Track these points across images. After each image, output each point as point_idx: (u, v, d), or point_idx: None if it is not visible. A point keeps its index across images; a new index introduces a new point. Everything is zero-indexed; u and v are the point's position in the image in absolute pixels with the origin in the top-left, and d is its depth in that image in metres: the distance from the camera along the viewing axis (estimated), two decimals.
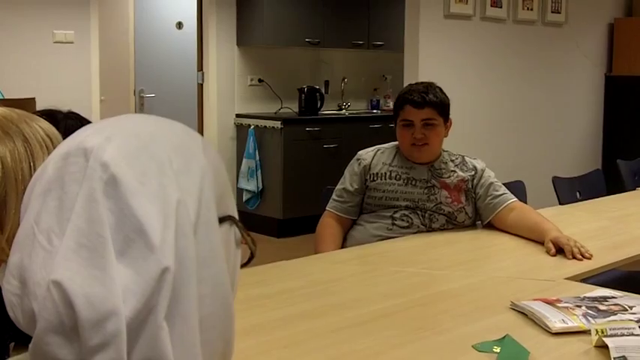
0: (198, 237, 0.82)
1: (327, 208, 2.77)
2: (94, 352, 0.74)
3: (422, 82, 2.77)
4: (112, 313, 0.75)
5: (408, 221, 2.66)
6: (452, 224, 2.72)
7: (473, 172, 2.74)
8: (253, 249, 0.94)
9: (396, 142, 2.83)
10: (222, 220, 0.88)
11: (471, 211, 2.75)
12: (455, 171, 2.73)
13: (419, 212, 2.67)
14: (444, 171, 2.72)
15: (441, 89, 2.75)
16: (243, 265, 0.96)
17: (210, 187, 0.86)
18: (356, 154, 2.84)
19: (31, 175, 1.00)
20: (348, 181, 2.75)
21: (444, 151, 2.78)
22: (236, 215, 0.93)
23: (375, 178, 2.71)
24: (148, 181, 0.80)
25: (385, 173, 2.71)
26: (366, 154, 2.78)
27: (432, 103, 2.67)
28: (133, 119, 0.92)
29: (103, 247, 0.77)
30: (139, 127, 0.88)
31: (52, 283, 0.76)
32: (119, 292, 0.75)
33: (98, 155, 0.80)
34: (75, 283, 0.75)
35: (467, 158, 2.79)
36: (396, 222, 2.66)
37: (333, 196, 2.78)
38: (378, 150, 2.79)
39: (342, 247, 2.70)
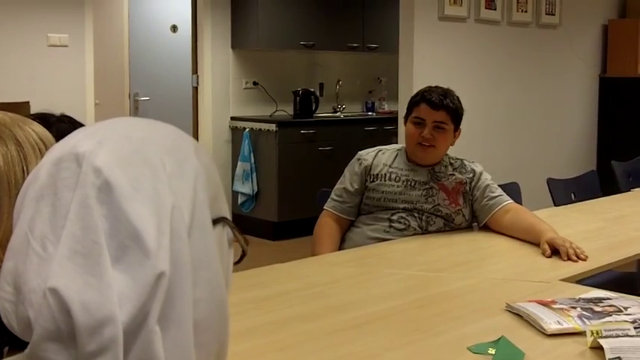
0: (193, 240, 0.82)
1: (325, 208, 2.77)
2: (91, 358, 0.75)
3: (441, 87, 2.78)
4: (109, 319, 0.75)
5: (405, 224, 2.66)
6: (449, 227, 2.72)
7: (471, 175, 2.75)
8: (245, 247, 0.94)
9: (398, 145, 2.84)
10: (215, 221, 0.89)
11: (468, 213, 2.75)
12: (454, 174, 2.74)
13: (416, 214, 2.68)
14: (443, 174, 2.73)
15: (458, 98, 2.76)
16: (236, 264, 0.96)
17: (203, 189, 0.86)
18: (351, 156, 2.84)
19: (24, 179, 0.99)
20: (348, 180, 2.75)
21: (444, 154, 2.79)
22: (229, 216, 0.93)
23: (375, 179, 2.71)
24: (141, 186, 0.80)
25: (385, 174, 2.72)
26: (367, 154, 2.78)
27: (448, 107, 2.69)
28: (124, 122, 0.91)
29: (99, 254, 0.77)
30: (130, 131, 0.88)
31: (49, 290, 0.76)
32: (115, 298, 0.75)
33: (90, 160, 0.80)
34: (71, 290, 0.75)
35: (465, 162, 2.80)
36: (393, 224, 2.66)
37: (332, 196, 2.77)
38: (379, 151, 2.79)
39: (340, 248, 2.70)
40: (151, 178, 0.81)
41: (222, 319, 0.88)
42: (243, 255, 0.94)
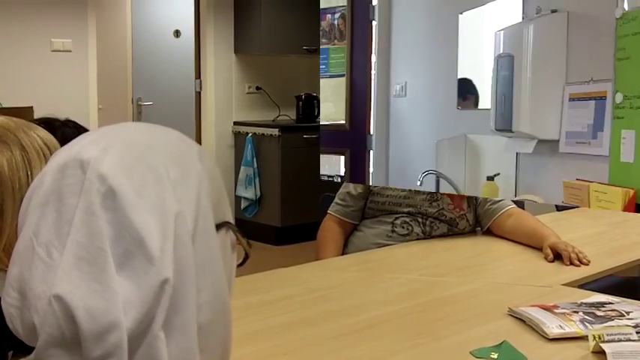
0: (197, 246, 0.83)
1: (329, 212, 2.77)
2: None
3: None
4: (114, 326, 0.75)
5: (407, 229, 2.66)
6: (452, 232, 2.72)
7: None
8: (248, 250, 0.95)
9: None
10: (219, 226, 0.89)
11: (472, 218, 2.76)
12: None
13: (420, 219, 2.67)
14: None
15: None
16: (239, 266, 0.96)
17: (206, 194, 0.86)
18: None
19: (28, 184, 1.00)
20: (352, 185, 2.76)
21: None
22: (231, 220, 0.94)
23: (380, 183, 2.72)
24: (146, 193, 0.80)
25: None
26: None
27: None
28: (127, 128, 0.92)
29: (104, 261, 0.77)
30: (134, 137, 0.88)
31: (54, 297, 0.76)
32: (120, 304, 0.76)
33: (95, 167, 0.81)
34: (76, 296, 0.76)
35: None
36: (396, 229, 2.66)
37: (336, 200, 2.78)
38: None
39: (343, 252, 2.70)
40: (155, 185, 0.81)
41: (225, 322, 0.88)
42: (246, 258, 0.95)
